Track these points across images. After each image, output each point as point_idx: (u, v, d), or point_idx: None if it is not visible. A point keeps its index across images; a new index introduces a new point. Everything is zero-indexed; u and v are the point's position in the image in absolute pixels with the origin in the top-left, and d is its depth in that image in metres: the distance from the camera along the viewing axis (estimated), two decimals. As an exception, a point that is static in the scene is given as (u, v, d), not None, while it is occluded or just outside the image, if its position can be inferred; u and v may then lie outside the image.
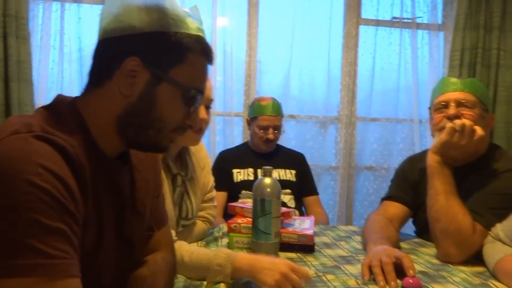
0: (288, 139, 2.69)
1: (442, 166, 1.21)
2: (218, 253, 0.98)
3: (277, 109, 2.06)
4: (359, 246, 1.30)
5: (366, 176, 2.99)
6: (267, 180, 1.15)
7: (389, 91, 2.99)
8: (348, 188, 2.86)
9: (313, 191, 2.16)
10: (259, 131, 2.04)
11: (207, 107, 1.19)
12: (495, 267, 1.02)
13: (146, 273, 0.80)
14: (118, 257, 0.74)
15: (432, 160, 1.23)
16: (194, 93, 0.71)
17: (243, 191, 1.99)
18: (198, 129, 1.16)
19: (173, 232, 1.01)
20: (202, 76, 0.74)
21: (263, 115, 2.03)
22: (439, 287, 0.97)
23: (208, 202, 1.36)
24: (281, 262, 0.94)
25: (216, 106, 2.67)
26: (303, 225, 1.32)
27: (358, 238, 1.38)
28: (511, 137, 2.99)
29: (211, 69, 0.80)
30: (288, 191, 2.05)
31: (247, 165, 2.07)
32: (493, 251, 1.06)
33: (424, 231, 1.35)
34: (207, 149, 1.58)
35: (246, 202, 1.74)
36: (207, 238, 1.33)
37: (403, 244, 1.33)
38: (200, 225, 1.31)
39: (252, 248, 1.16)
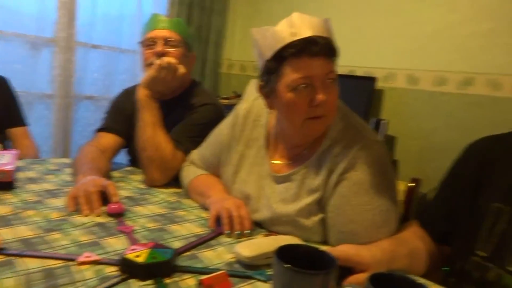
0: (-12, 59, 2.24)
1: (150, 100, 1.30)
2: None
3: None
4: (69, 179, 1.27)
5: (86, 106, 2.87)
6: None
7: (113, 18, 2.88)
8: (65, 119, 2.68)
9: (20, 122, 1.90)
10: None
11: None
12: (187, 185, 1.22)
13: None
14: None
15: (141, 94, 1.30)
16: None
17: None
18: None
19: None
20: None
21: None
22: (141, 209, 1.07)
23: None
24: None
25: None
26: (2, 160, 1.18)
27: (70, 170, 1.35)
28: (217, 73, 3.49)
29: None
30: (-13, 121, 1.74)
31: None
32: (188, 173, 1.25)
33: (136, 160, 1.44)
34: None
35: None
36: None
37: (115, 173, 1.38)
38: None
39: None
